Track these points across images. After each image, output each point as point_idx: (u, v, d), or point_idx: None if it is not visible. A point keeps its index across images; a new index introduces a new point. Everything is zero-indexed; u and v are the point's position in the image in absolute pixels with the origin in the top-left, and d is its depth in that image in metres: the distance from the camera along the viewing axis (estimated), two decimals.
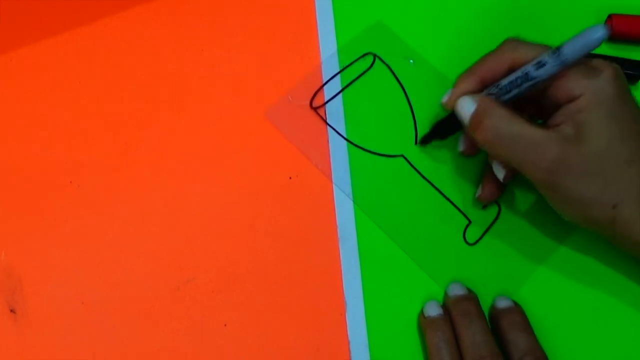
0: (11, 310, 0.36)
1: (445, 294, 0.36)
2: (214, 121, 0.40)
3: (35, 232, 0.38)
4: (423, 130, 0.39)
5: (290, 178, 0.38)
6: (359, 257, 0.37)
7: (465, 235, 0.37)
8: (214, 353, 0.35)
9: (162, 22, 0.42)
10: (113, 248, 0.37)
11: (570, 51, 0.31)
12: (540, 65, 0.32)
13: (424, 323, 0.35)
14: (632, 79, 0.40)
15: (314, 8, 0.42)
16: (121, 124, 0.40)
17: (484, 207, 0.38)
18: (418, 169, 0.39)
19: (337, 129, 0.39)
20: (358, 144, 0.39)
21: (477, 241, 0.37)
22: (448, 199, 0.38)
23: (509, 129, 0.32)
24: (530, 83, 0.32)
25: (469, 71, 0.35)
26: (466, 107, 0.34)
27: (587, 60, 0.33)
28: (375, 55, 0.41)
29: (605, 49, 0.41)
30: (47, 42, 0.42)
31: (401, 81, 0.40)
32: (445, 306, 0.36)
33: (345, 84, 0.40)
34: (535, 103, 0.35)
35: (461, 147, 0.37)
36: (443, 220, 0.37)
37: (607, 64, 0.32)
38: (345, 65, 0.41)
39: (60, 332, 0.36)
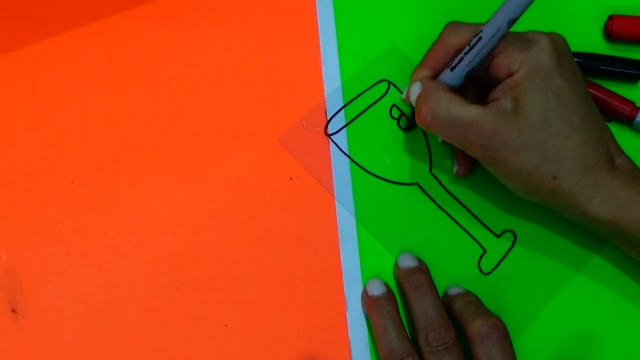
0: (12, 310, 0.36)
1: (396, 264, 0.36)
2: (214, 121, 0.40)
3: (36, 232, 0.38)
4: (437, 157, 0.39)
5: (291, 179, 0.38)
6: (359, 257, 0.37)
7: (480, 265, 0.37)
8: (214, 353, 0.35)
9: (162, 22, 0.42)
10: (114, 248, 0.37)
11: (498, 15, 0.31)
12: (478, 35, 0.32)
13: (367, 302, 0.35)
14: (632, 79, 0.40)
15: (314, 11, 0.42)
16: (122, 124, 0.40)
17: (499, 235, 0.37)
18: (432, 197, 0.38)
19: (348, 154, 0.39)
20: (371, 171, 0.38)
21: (492, 270, 0.37)
22: (463, 228, 0.37)
23: (445, 112, 0.32)
24: (470, 56, 0.33)
25: (420, 64, 0.36)
26: (413, 95, 0.35)
27: (525, 33, 0.33)
28: (389, 82, 0.40)
29: (606, 49, 0.41)
30: (47, 42, 0.41)
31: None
32: (395, 277, 0.36)
33: (359, 111, 0.40)
34: (487, 84, 0.35)
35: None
36: (457, 249, 0.37)
37: (544, 35, 0.33)
38: (359, 92, 0.40)
39: (61, 332, 0.36)
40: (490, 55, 0.33)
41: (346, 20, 0.42)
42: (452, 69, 0.34)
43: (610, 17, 0.41)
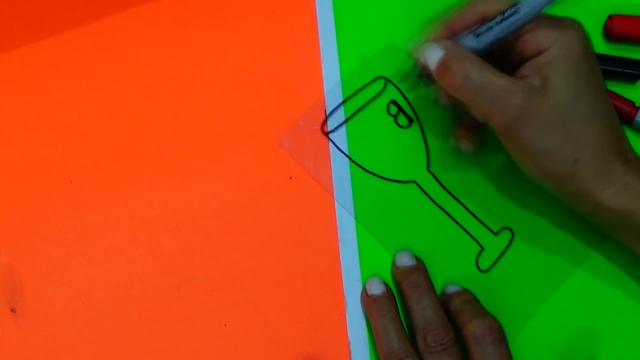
0: (11, 310, 0.36)
1: (394, 263, 0.36)
2: (214, 120, 0.40)
3: (36, 232, 0.38)
4: (435, 155, 0.39)
5: (290, 178, 0.38)
6: (359, 256, 0.37)
7: (478, 262, 0.37)
8: (214, 353, 0.35)
9: (162, 22, 0.42)
10: (113, 248, 0.37)
11: None
12: (515, 7, 0.32)
13: (367, 302, 0.35)
14: (632, 79, 0.40)
15: (314, 10, 0.42)
16: (121, 123, 0.40)
17: (497, 233, 0.37)
18: (430, 195, 0.38)
19: (345, 152, 0.39)
20: (368, 169, 0.38)
21: (490, 268, 0.37)
22: (460, 226, 0.37)
23: (478, 76, 0.32)
24: (501, 27, 0.32)
25: (439, 23, 0.35)
26: (433, 53, 0.33)
27: (555, 16, 0.33)
28: (386, 79, 0.40)
29: (606, 49, 0.41)
30: (47, 42, 0.41)
31: (413, 105, 0.40)
32: (393, 276, 0.36)
33: (356, 108, 0.40)
34: (503, 58, 0.34)
35: (440, 99, 0.37)
36: (455, 247, 0.37)
37: (574, 21, 0.33)
38: (355, 90, 0.40)
39: (60, 332, 0.36)
40: (519, 31, 0.32)
41: (346, 19, 0.42)
42: (477, 35, 0.33)
43: (610, 17, 0.41)
